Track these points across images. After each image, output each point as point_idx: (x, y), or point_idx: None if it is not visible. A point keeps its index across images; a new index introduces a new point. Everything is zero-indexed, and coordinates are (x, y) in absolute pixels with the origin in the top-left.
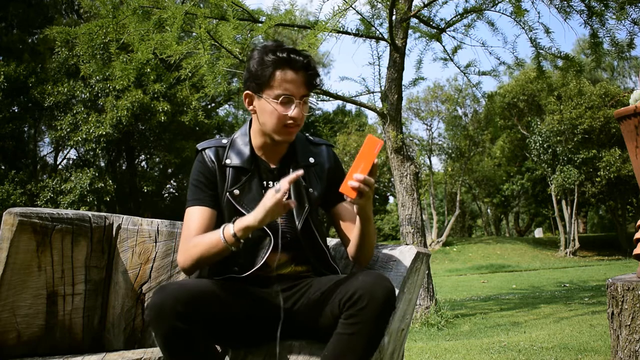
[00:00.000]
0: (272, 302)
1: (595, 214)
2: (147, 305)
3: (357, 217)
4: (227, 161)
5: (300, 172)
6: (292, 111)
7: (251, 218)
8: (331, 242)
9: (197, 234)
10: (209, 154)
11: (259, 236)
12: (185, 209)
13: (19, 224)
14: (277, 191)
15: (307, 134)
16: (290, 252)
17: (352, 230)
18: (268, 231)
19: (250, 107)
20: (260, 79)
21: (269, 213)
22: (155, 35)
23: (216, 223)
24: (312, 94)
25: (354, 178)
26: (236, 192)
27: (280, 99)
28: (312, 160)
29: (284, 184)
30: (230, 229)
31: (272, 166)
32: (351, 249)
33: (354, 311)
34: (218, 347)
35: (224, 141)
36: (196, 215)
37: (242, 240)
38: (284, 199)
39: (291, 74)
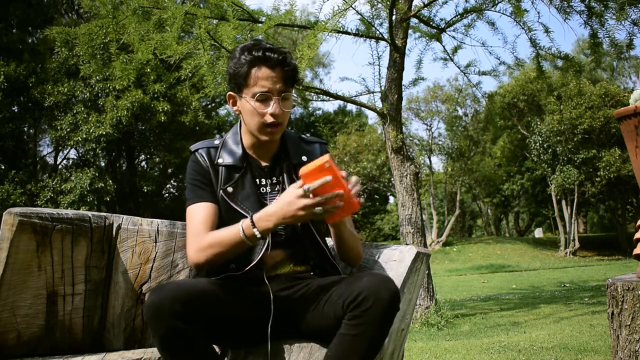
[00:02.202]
0: (270, 302)
1: (595, 214)
2: (144, 304)
3: (331, 227)
4: (220, 160)
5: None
6: (271, 108)
7: (276, 218)
8: (330, 242)
9: (205, 230)
10: (202, 153)
11: None
12: (185, 208)
13: (19, 224)
14: (306, 191)
15: (302, 134)
16: (288, 250)
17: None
18: None
19: (235, 108)
20: (238, 79)
21: (298, 216)
22: (155, 35)
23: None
24: (294, 90)
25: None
26: (230, 189)
27: (257, 96)
28: (304, 158)
29: (314, 186)
30: (255, 232)
31: (264, 164)
32: (336, 251)
33: (358, 312)
34: (217, 348)
35: (216, 142)
36: (200, 211)
37: (263, 238)
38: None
39: (267, 71)
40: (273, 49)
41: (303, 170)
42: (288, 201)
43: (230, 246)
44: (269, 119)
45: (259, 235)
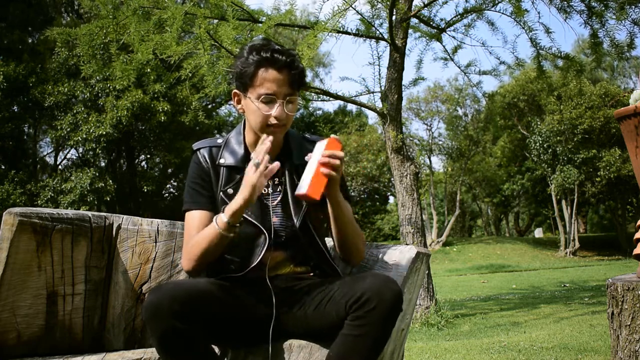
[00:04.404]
0: (270, 302)
1: (595, 214)
2: (143, 304)
3: (329, 206)
4: (221, 160)
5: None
6: (275, 111)
7: (239, 199)
8: (330, 243)
9: None
10: (204, 153)
11: (254, 235)
12: (183, 210)
13: (19, 224)
14: (257, 165)
15: (305, 133)
16: (287, 251)
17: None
18: (263, 229)
19: (239, 106)
20: (244, 78)
21: (254, 188)
22: (155, 35)
23: None
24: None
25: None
26: (230, 191)
27: (261, 98)
28: (307, 158)
29: (260, 156)
30: (222, 217)
31: None
32: (337, 245)
33: (361, 313)
34: (216, 348)
35: (219, 141)
36: (196, 219)
37: (237, 226)
38: (264, 168)
39: (273, 73)
40: (282, 51)
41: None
42: (244, 180)
43: (209, 240)
44: (272, 121)
45: (225, 220)
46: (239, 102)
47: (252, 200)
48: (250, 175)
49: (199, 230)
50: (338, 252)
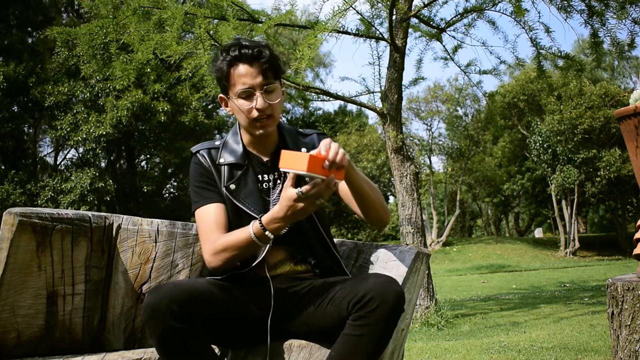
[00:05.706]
0: (270, 302)
1: (595, 213)
2: (141, 305)
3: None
4: (221, 160)
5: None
6: (255, 103)
7: (283, 221)
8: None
9: (217, 232)
10: (203, 154)
11: None
12: (193, 211)
13: (19, 224)
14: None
15: (298, 128)
16: (288, 248)
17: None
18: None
19: (228, 109)
20: (222, 81)
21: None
22: (155, 35)
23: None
24: (278, 81)
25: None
26: (232, 186)
27: (239, 94)
28: (304, 150)
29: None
30: (268, 234)
31: (265, 159)
32: (361, 210)
33: (363, 313)
34: (216, 348)
35: (217, 142)
36: (211, 213)
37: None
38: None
39: (244, 67)
40: (249, 45)
41: (286, 165)
42: (288, 205)
43: (244, 248)
44: (255, 114)
45: (271, 237)
46: (226, 105)
47: (299, 219)
48: (295, 203)
49: (216, 223)
50: (365, 216)
